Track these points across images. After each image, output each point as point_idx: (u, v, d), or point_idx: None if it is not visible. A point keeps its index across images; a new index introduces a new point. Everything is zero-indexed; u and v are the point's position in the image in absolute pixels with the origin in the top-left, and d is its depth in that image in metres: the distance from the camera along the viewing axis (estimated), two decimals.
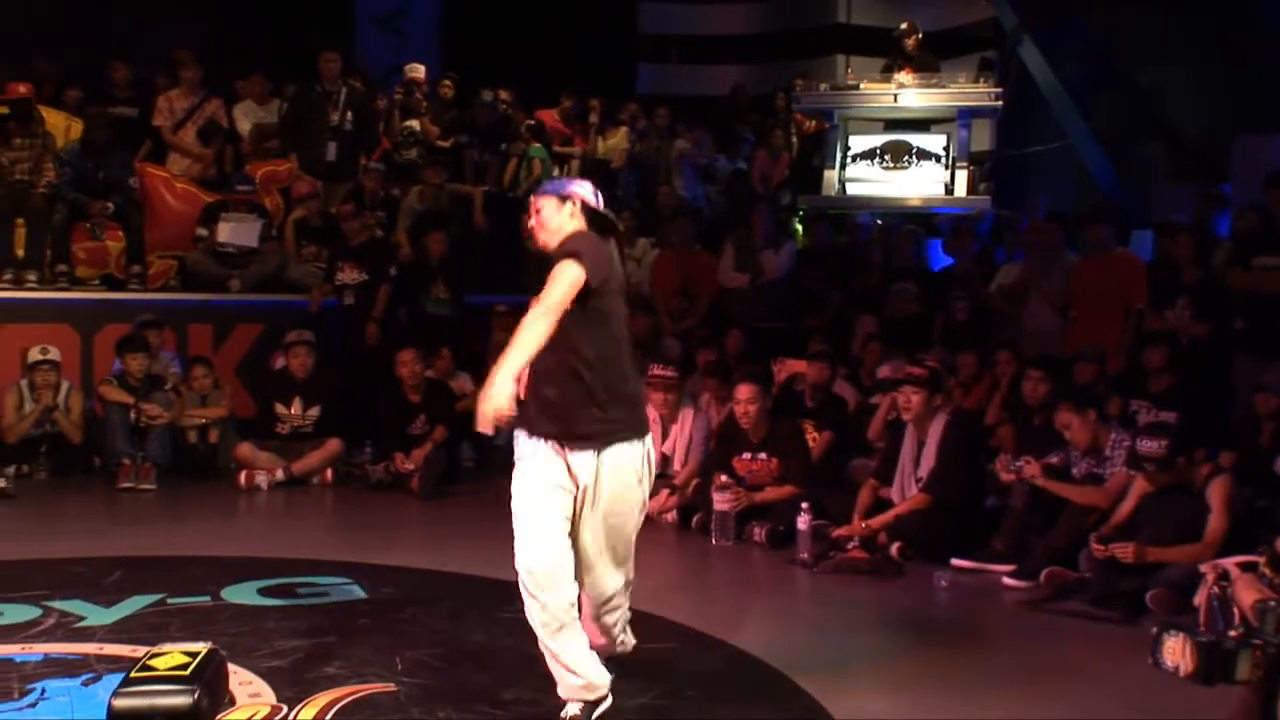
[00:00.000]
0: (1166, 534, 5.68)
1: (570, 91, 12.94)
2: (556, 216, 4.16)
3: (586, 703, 3.98)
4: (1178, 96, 12.30)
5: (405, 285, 9.85)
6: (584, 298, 3.86)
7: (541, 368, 3.94)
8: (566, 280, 3.82)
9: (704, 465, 7.64)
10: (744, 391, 7.30)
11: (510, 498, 4.01)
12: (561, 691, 4.00)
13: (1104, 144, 12.82)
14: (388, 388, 8.79)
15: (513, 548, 3.96)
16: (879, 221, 12.00)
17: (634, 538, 4.20)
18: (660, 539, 7.33)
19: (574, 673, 3.96)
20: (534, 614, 3.92)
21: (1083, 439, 6.45)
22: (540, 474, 3.97)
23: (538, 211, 4.21)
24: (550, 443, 3.98)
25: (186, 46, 11.31)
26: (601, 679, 4.01)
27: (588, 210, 4.19)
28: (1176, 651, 2.71)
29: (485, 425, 3.73)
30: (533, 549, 3.90)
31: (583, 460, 3.97)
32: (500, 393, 3.69)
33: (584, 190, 4.24)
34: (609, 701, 4.03)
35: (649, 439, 4.16)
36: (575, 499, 3.99)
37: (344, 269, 9.72)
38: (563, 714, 3.97)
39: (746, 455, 7.35)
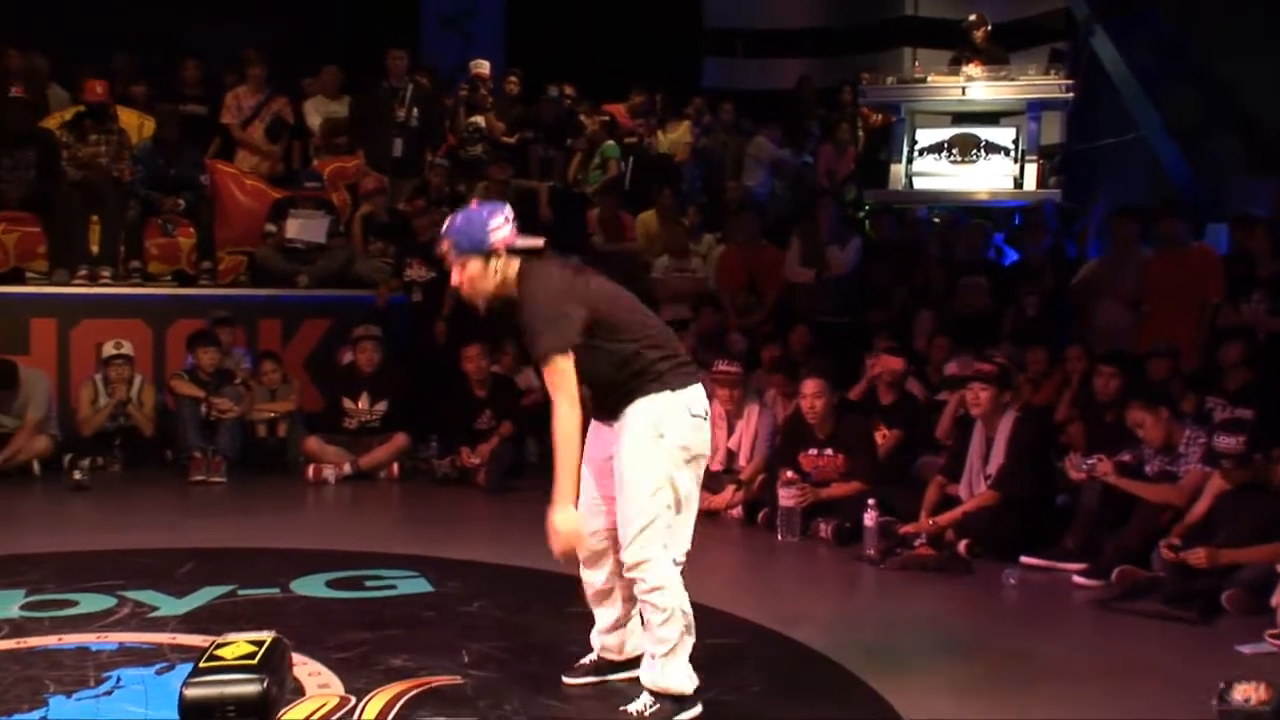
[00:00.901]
0: (1243, 533, 5.57)
1: (639, 86, 12.96)
2: (489, 276, 3.96)
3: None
4: (1254, 87, 12.06)
5: None
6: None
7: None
8: (558, 374, 3.82)
9: (769, 461, 7.61)
10: (811, 386, 7.27)
11: None
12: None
13: (1178, 136, 12.60)
14: (454, 383, 8.85)
15: None
16: (936, 219, 11.89)
17: (644, 503, 3.93)
18: (725, 534, 7.33)
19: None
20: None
21: (1156, 437, 6.34)
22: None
23: (462, 268, 3.97)
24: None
25: (255, 46, 11.47)
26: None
27: (514, 251, 3.98)
28: (1248, 689, 2.68)
29: (561, 556, 3.84)
30: None
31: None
32: (567, 525, 3.82)
33: (501, 233, 3.96)
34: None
35: (677, 393, 3.98)
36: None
37: (413, 265, 9.78)
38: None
39: (813, 451, 7.32)
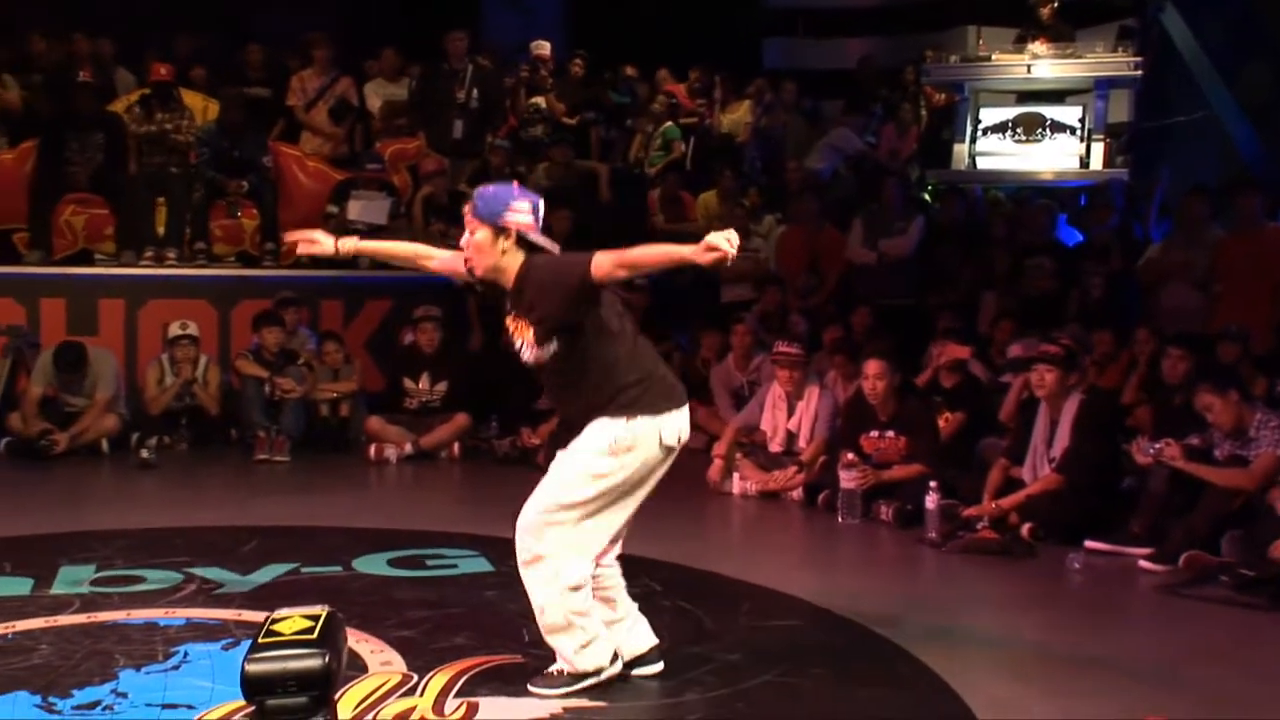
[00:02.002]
0: None
1: (697, 66, 12.91)
2: (491, 250, 3.99)
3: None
4: None
5: None
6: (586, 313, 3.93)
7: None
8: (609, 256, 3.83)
9: (830, 442, 7.58)
10: (873, 368, 7.23)
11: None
12: None
13: (1250, 114, 12.35)
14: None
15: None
16: (1001, 195, 11.75)
17: (563, 502, 3.97)
18: (786, 516, 7.32)
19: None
20: None
21: (1226, 420, 6.22)
22: None
23: (472, 232, 4.01)
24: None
25: (318, 28, 11.55)
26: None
27: (524, 243, 3.99)
28: None
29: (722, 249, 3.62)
30: None
31: None
32: (712, 238, 3.64)
33: (521, 216, 3.98)
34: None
35: (630, 420, 3.96)
36: None
37: None
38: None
39: (874, 433, 7.28)
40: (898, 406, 7.28)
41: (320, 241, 4.47)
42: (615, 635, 4.18)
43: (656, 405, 4.02)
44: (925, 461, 7.07)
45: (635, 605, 4.29)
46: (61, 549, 5.85)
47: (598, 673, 4.09)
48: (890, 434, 7.25)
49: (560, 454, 4.10)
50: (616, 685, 4.12)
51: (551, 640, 4.09)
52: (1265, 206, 8.86)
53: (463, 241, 4.07)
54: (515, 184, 4.26)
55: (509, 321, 4.14)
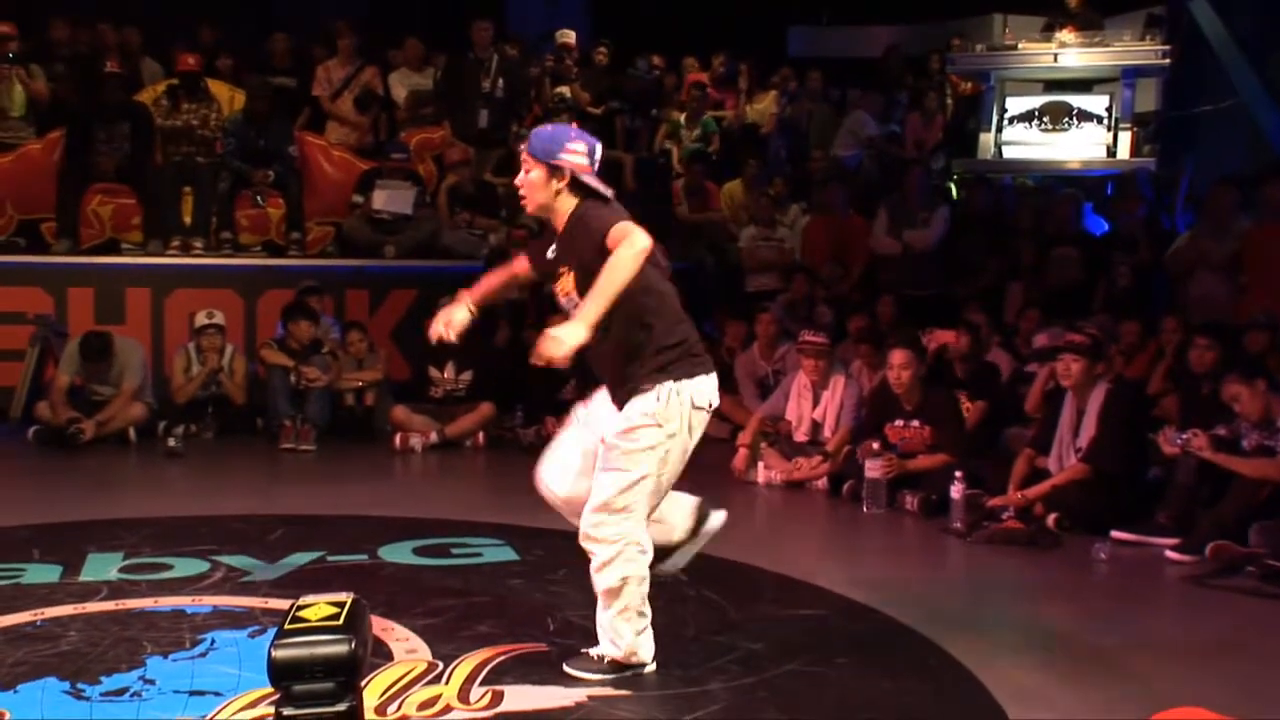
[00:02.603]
0: None
1: (722, 53, 12.88)
2: (544, 188, 4.00)
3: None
4: None
5: None
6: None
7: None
8: (640, 239, 3.79)
9: (855, 432, 7.57)
10: (898, 357, 7.21)
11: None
12: None
13: (1279, 102, 12.25)
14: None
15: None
16: (1029, 182, 11.69)
17: (624, 487, 3.97)
18: (811, 506, 7.31)
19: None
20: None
21: (1253, 410, 6.18)
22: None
23: (527, 170, 4.01)
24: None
25: (343, 17, 11.58)
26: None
27: (578, 185, 3.99)
28: None
29: (540, 360, 3.80)
30: None
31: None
32: (572, 340, 3.75)
33: (576, 158, 3.98)
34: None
35: (664, 387, 3.99)
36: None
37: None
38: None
39: (899, 422, 7.27)
40: (923, 397, 7.25)
41: (456, 320, 4.28)
42: None
43: (692, 370, 4.04)
44: (950, 451, 7.05)
45: None
46: (90, 536, 5.89)
47: (641, 666, 4.09)
48: (915, 424, 7.23)
49: (605, 443, 4.07)
50: (640, 673, 4.12)
51: (614, 622, 4.05)
52: None
53: (518, 180, 4.09)
54: (574, 124, 4.25)
55: (559, 271, 4.13)
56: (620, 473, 3.98)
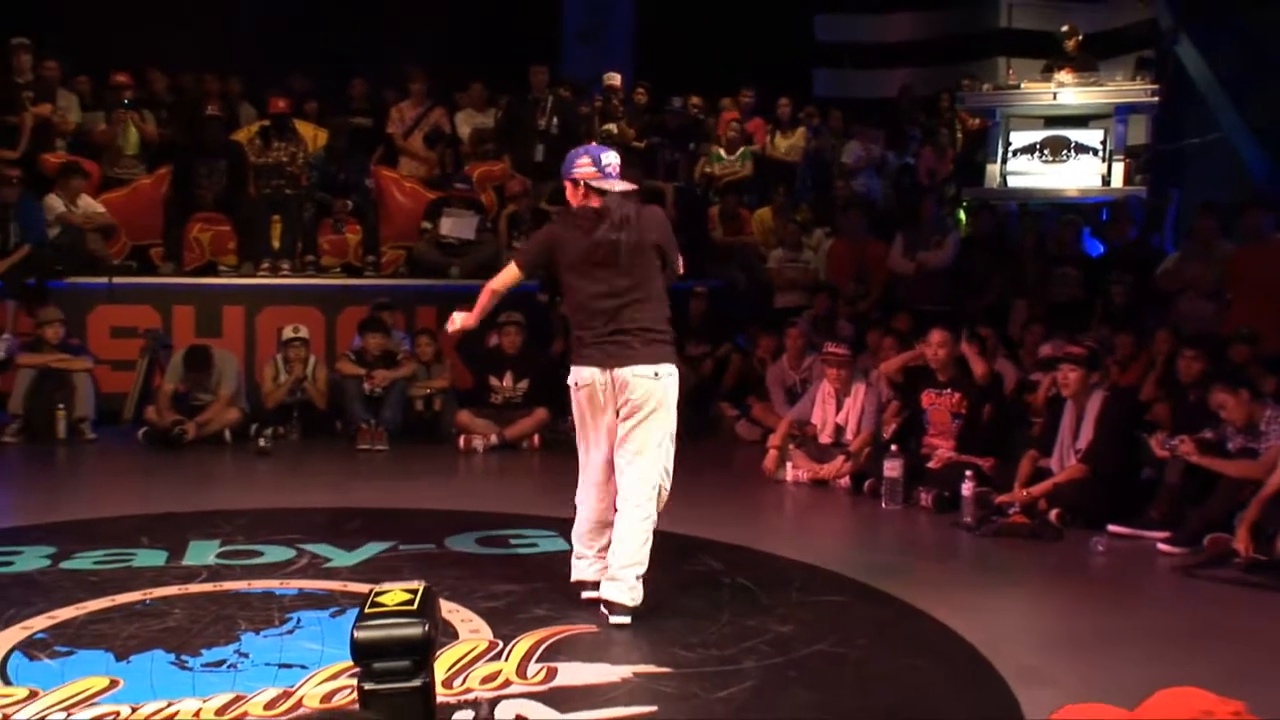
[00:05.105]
0: None
1: (749, 85, 12.87)
2: (573, 196, 4.66)
3: None
4: None
5: None
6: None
7: None
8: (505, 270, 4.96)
9: (875, 435, 7.54)
10: (937, 336, 7.35)
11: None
12: None
13: (1258, 136, 12.12)
14: None
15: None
16: (1026, 210, 11.61)
17: (664, 467, 4.57)
18: (834, 502, 7.28)
19: None
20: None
21: (1238, 417, 6.09)
22: None
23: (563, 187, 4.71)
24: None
25: (414, 63, 11.65)
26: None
27: (592, 188, 4.55)
28: None
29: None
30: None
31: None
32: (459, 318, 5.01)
33: (584, 169, 4.58)
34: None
35: (669, 369, 4.56)
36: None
37: None
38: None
39: (933, 390, 7.33)
40: (956, 371, 7.33)
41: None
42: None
43: (675, 354, 4.64)
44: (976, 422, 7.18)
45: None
46: (191, 525, 5.94)
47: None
48: (948, 391, 7.30)
49: (634, 431, 4.47)
50: (680, 652, 4.11)
51: (624, 572, 4.41)
52: (1273, 221, 8.68)
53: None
54: (584, 146, 4.84)
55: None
56: (656, 454, 4.58)
